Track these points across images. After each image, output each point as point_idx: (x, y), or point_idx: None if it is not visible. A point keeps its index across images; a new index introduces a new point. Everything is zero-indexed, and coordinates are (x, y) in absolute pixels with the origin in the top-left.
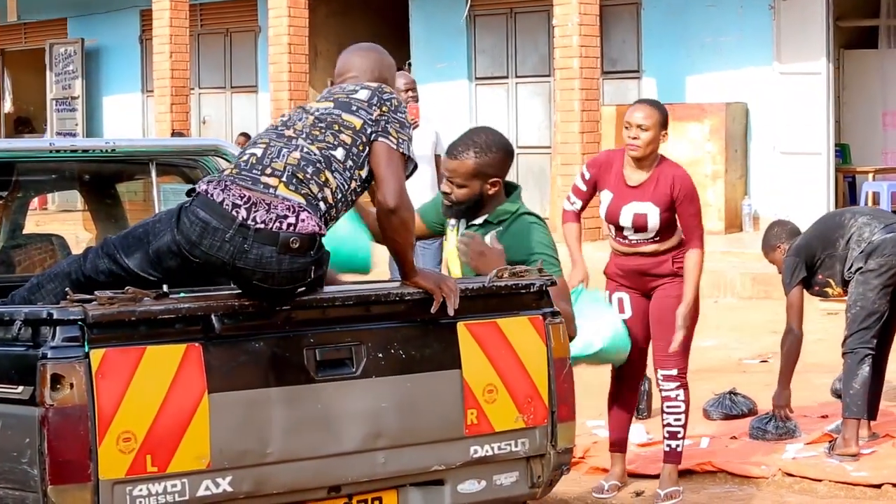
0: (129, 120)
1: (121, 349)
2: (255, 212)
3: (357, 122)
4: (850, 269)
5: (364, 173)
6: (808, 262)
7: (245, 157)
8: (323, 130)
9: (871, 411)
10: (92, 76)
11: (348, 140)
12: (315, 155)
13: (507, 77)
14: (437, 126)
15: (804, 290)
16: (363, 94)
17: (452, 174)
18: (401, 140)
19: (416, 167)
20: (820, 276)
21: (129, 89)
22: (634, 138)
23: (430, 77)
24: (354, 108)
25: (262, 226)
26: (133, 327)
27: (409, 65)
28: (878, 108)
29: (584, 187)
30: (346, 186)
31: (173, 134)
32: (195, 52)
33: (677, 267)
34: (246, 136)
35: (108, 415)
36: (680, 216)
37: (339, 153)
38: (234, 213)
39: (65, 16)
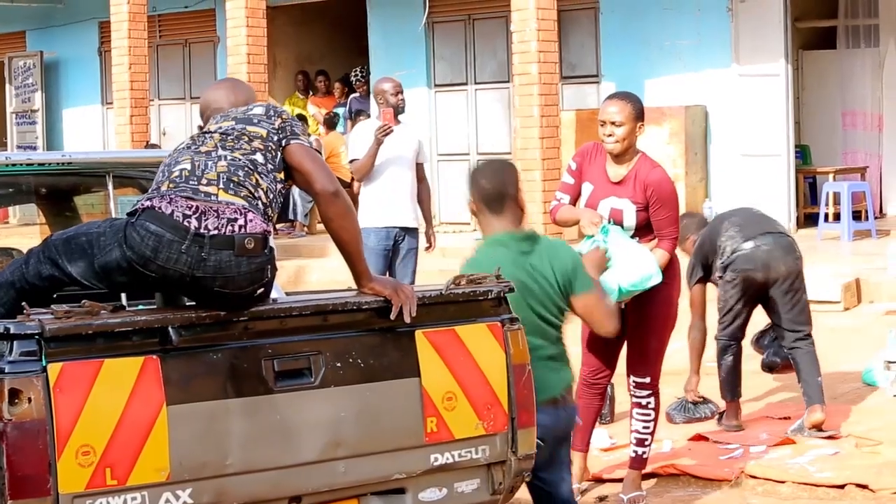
0: (89, 132)
1: (78, 363)
2: (206, 220)
3: (262, 132)
4: (716, 274)
5: (281, 176)
6: (703, 262)
7: (176, 173)
8: (235, 141)
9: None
10: (51, 89)
11: (261, 146)
12: (240, 160)
13: (466, 84)
14: (419, 134)
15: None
16: (258, 110)
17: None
18: (308, 139)
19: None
20: (715, 275)
21: (88, 101)
22: (609, 135)
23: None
24: (256, 121)
25: (216, 232)
26: (90, 340)
27: (362, 71)
28: (838, 108)
29: (570, 180)
30: (274, 187)
31: (147, 146)
32: (154, 64)
33: None
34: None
35: (67, 428)
36: (652, 217)
37: (259, 157)
38: (185, 223)
39: (23, 28)
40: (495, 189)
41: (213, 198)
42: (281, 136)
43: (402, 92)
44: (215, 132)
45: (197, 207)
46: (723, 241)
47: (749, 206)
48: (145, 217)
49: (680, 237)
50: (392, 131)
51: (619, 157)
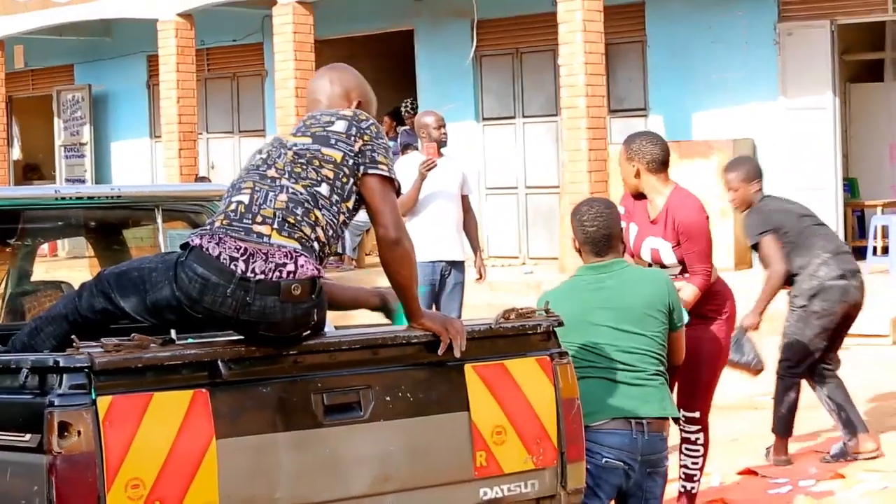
0: (137, 165)
1: (128, 396)
2: (253, 263)
3: (338, 156)
4: (794, 297)
5: (350, 205)
6: (772, 226)
7: (233, 206)
8: (304, 167)
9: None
10: (100, 122)
11: (331, 175)
12: (302, 194)
13: (514, 117)
14: (464, 167)
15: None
16: (340, 126)
17: None
18: (390, 167)
19: (400, 191)
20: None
21: (137, 135)
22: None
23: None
24: (333, 140)
25: (262, 276)
26: (139, 374)
27: (410, 105)
28: (886, 141)
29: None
30: (336, 221)
31: (197, 179)
32: (202, 97)
33: (707, 308)
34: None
35: (116, 462)
36: (682, 252)
37: (324, 189)
38: (232, 266)
39: (72, 62)
40: (599, 232)
41: (265, 239)
42: (359, 160)
43: (444, 125)
44: (291, 148)
45: (246, 249)
46: (812, 261)
47: (822, 222)
48: (193, 257)
49: (738, 185)
50: (436, 165)
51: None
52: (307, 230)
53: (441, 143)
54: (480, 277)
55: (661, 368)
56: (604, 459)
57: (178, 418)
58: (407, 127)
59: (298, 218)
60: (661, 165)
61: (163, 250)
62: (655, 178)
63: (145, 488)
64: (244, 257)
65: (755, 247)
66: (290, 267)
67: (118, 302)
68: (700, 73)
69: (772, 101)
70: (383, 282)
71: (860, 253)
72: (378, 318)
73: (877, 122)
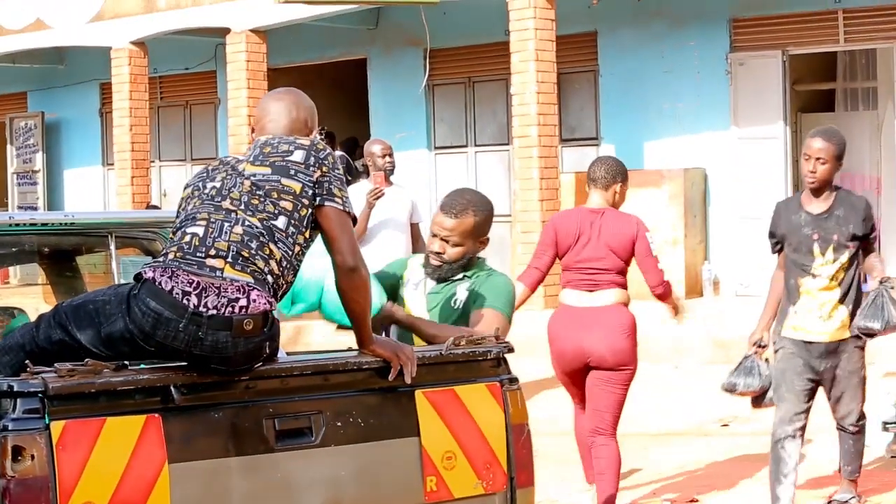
0: (90, 193)
1: (81, 421)
2: (205, 297)
3: (297, 187)
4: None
5: (307, 235)
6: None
7: (187, 238)
8: (262, 199)
9: None
10: (53, 149)
11: (289, 206)
12: (257, 228)
13: (466, 146)
14: (412, 195)
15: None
16: (299, 156)
17: (451, 233)
18: (345, 199)
19: (356, 220)
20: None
21: (89, 162)
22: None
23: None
24: (293, 171)
25: (215, 311)
26: (93, 399)
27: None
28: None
29: None
30: (291, 253)
31: (148, 207)
32: (155, 125)
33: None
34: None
35: (70, 486)
36: None
37: (281, 222)
38: (184, 301)
39: (25, 89)
40: None
41: (217, 273)
42: (317, 191)
43: (391, 154)
44: (248, 178)
45: (198, 283)
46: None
47: None
48: (146, 291)
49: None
50: (383, 194)
51: None
52: (261, 263)
53: (388, 172)
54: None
55: None
56: None
57: (131, 443)
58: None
59: (252, 251)
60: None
61: (116, 277)
62: None
63: None
64: (196, 291)
65: (867, 238)
66: (243, 302)
67: (74, 334)
68: (652, 103)
69: (723, 131)
70: None
71: None
72: (327, 344)
73: None
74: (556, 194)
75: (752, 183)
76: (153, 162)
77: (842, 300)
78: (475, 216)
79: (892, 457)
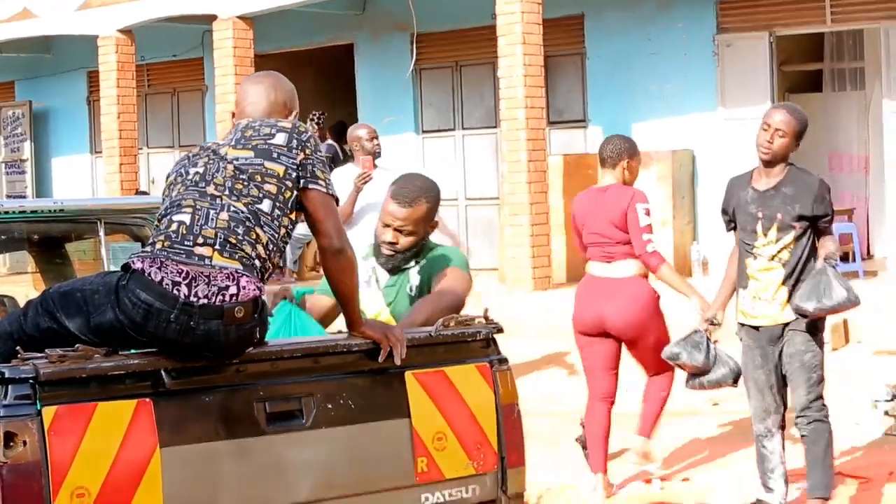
0: (78, 181)
1: (72, 406)
2: (195, 287)
3: (280, 170)
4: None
5: (292, 217)
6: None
7: (174, 227)
8: (245, 183)
9: None
10: (41, 138)
11: (273, 189)
12: (243, 212)
13: (453, 129)
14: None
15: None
16: (281, 139)
17: (405, 222)
18: (328, 181)
19: (338, 202)
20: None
21: (77, 150)
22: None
23: (377, 131)
24: (275, 154)
25: (206, 301)
26: (84, 384)
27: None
28: (825, 150)
29: None
30: (277, 235)
31: (137, 194)
32: (143, 112)
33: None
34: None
35: (62, 471)
36: None
37: (266, 205)
38: (175, 291)
39: (12, 79)
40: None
41: (206, 261)
42: (300, 174)
43: (377, 137)
44: (231, 162)
45: (188, 273)
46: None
47: None
48: (135, 282)
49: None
50: (371, 178)
51: None
52: (248, 249)
53: (375, 155)
54: None
55: None
56: None
57: (123, 427)
58: (329, 142)
59: (240, 237)
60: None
61: (105, 263)
62: None
63: (90, 497)
64: (186, 281)
65: (825, 219)
66: (233, 290)
67: (63, 321)
68: (639, 85)
69: (711, 112)
70: None
71: None
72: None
73: (815, 132)
74: (545, 176)
75: (740, 164)
76: (141, 149)
77: (784, 282)
78: (427, 203)
79: (890, 435)
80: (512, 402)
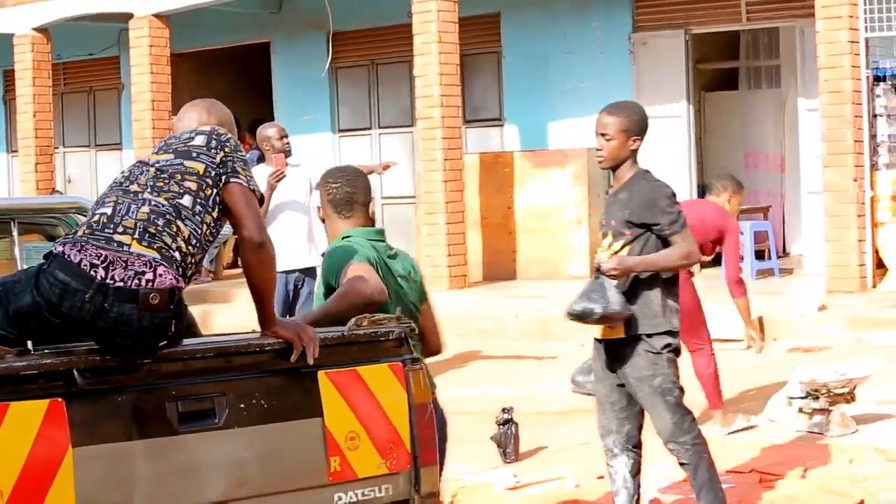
0: None
1: None
2: (112, 270)
3: (200, 168)
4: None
5: (214, 215)
6: None
7: (96, 218)
8: (167, 181)
9: None
10: None
11: (194, 186)
12: (164, 206)
13: (370, 128)
14: (309, 172)
15: None
16: (199, 140)
17: None
18: (249, 178)
19: (262, 200)
20: None
21: None
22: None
23: (293, 130)
24: (195, 154)
25: (121, 284)
26: None
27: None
28: (740, 148)
29: None
30: (199, 231)
31: (53, 193)
32: (59, 111)
33: None
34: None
35: None
36: None
37: (187, 200)
38: (92, 272)
39: None
40: (342, 189)
41: (124, 248)
42: (221, 171)
43: (286, 136)
44: (152, 165)
45: (106, 257)
46: None
47: None
48: (55, 264)
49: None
50: (285, 176)
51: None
52: (168, 240)
53: (286, 154)
54: None
55: None
56: None
57: (34, 427)
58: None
59: (160, 228)
60: None
61: (19, 263)
62: None
63: (3, 498)
64: (104, 265)
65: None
66: (149, 276)
67: None
68: (555, 83)
69: None
70: (239, 293)
71: (716, 259)
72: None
73: (731, 129)
74: (461, 175)
75: (656, 161)
76: (57, 148)
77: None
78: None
79: (810, 432)
80: (425, 402)
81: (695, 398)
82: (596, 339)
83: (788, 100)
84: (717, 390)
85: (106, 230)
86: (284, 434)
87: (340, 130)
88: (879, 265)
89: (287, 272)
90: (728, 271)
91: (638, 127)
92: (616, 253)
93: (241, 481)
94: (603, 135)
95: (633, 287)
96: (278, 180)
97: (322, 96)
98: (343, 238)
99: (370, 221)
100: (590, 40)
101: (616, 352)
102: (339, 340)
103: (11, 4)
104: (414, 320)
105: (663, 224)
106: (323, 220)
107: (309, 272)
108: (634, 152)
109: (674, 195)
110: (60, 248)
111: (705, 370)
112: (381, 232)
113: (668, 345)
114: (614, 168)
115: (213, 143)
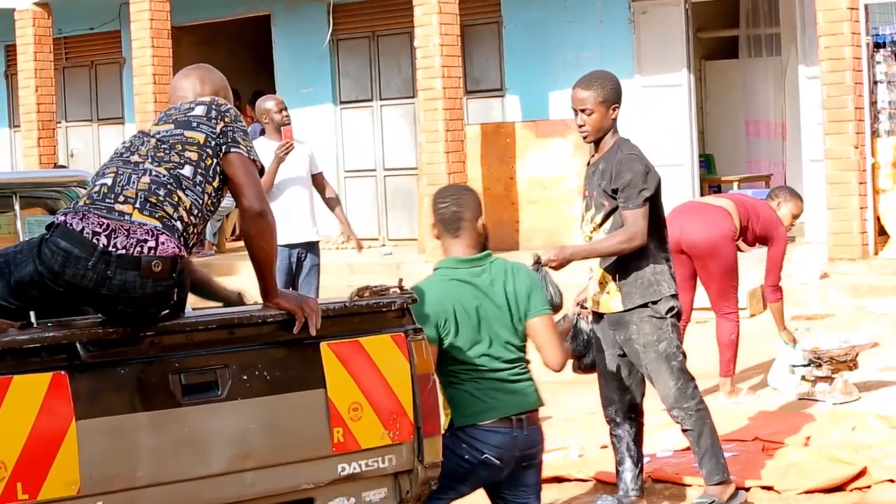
0: None
1: None
2: (115, 238)
3: (200, 137)
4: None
5: (215, 185)
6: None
7: (96, 188)
8: (167, 151)
9: None
10: None
11: (194, 156)
12: (164, 176)
13: (371, 100)
14: (309, 147)
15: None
16: (200, 110)
17: None
18: (249, 148)
19: (263, 171)
20: None
21: None
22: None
23: (295, 102)
24: (195, 124)
25: (124, 251)
26: None
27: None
28: (741, 117)
29: None
30: (200, 201)
31: (55, 167)
32: (61, 86)
33: None
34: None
35: None
36: None
37: (187, 170)
38: (94, 240)
39: None
40: (450, 209)
41: (126, 217)
42: (221, 141)
43: (286, 108)
44: (153, 136)
45: (108, 225)
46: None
47: None
48: (58, 233)
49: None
50: (293, 147)
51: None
52: (169, 210)
53: (284, 125)
54: (348, 239)
55: (525, 356)
56: (484, 455)
57: (38, 400)
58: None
59: (161, 198)
60: None
61: (21, 236)
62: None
63: (6, 470)
64: (106, 232)
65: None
66: (151, 244)
67: None
68: (556, 53)
69: (627, 80)
70: (242, 266)
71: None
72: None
73: (732, 98)
74: (462, 146)
75: (657, 131)
76: (59, 123)
77: (601, 264)
78: None
79: (813, 400)
80: (427, 372)
81: (698, 366)
82: (595, 313)
83: (789, 67)
84: (734, 359)
85: (107, 200)
86: (287, 405)
87: (342, 102)
88: (881, 232)
89: (290, 246)
90: (769, 277)
91: (614, 95)
92: (599, 226)
93: (244, 453)
94: (582, 110)
95: (621, 262)
96: (287, 152)
97: (323, 68)
98: (435, 269)
99: (480, 237)
100: (590, 9)
101: (618, 323)
102: (341, 311)
103: None
104: (516, 340)
105: (620, 196)
106: (437, 238)
107: (311, 246)
108: (615, 121)
109: (645, 169)
110: (62, 218)
111: (728, 336)
112: (477, 260)
113: (672, 307)
114: (596, 141)
115: (214, 114)
